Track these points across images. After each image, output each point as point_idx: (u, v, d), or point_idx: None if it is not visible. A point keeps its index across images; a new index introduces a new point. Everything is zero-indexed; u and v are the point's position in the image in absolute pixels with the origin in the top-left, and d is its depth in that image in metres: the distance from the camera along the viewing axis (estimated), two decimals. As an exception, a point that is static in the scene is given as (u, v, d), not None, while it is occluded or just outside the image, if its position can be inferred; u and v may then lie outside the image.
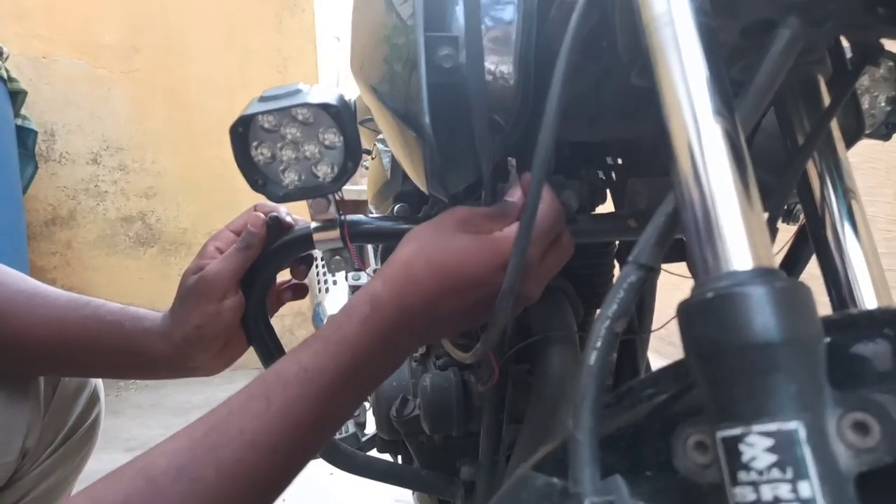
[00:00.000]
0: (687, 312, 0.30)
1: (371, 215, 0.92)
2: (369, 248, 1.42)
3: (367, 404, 1.12)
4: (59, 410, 0.78)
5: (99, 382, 0.86)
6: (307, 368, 0.47)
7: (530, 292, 0.52)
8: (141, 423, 2.40)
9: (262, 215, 0.62)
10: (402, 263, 0.50)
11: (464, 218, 0.51)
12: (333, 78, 3.47)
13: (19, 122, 2.50)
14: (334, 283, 1.57)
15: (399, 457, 1.00)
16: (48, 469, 0.78)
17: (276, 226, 0.61)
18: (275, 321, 0.68)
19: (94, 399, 0.84)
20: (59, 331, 0.65)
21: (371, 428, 0.99)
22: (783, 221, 0.69)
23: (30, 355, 0.66)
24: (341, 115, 0.52)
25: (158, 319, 0.66)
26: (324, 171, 0.54)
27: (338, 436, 1.00)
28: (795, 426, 0.26)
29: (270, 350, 0.66)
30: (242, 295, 0.63)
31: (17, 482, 0.74)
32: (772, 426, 0.26)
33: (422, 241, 0.51)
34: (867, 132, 0.58)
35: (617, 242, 0.75)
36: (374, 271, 1.02)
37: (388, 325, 0.48)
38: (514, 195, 0.53)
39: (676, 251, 0.59)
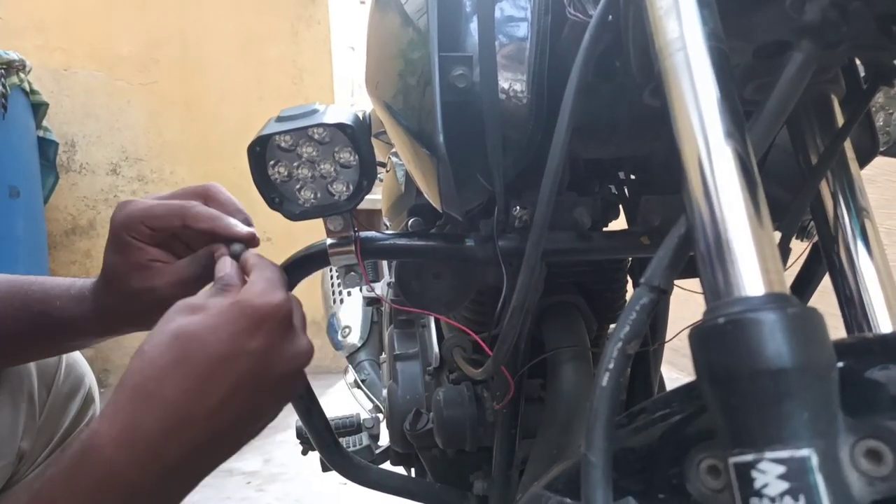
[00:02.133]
0: (699, 338, 0.30)
1: (385, 230, 0.93)
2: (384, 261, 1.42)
3: (380, 416, 1.12)
4: (53, 413, 0.78)
5: (93, 384, 0.86)
6: None
7: (303, 344, 0.44)
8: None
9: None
10: (128, 388, 0.41)
11: (188, 306, 0.44)
12: (348, 88, 3.49)
13: (41, 133, 2.55)
14: (349, 294, 1.58)
15: (412, 470, 1.00)
16: (44, 471, 0.78)
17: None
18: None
19: (88, 401, 0.84)
20: None
21: (384, 441, 0.99)
22: (796, 238, 0.68)
23: None
24: (357, 135, 0.53)
25: (79, 280, 0.61)
26: (339, 190, 0.55)
27: (351, 448, 1.00)
28: (808, 453, 0.26)
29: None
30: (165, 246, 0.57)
31: (15, 485, 0.75)
32: (784, 453, 0.27)
33: (149, 352, 0.42)
34: (882, 150, 0.58)
35: (630, 258, 0.75)
36: (388, 284, 1.02)
37: (107, 472, 0.39)
38: (223, 269, 0.49)
39: (690, 267, 0.59)
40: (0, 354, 0.65)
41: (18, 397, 0.71)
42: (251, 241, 0.55)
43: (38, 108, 2.51)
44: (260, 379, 0.42)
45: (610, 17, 0.44)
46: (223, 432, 0.41)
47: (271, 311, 0.41)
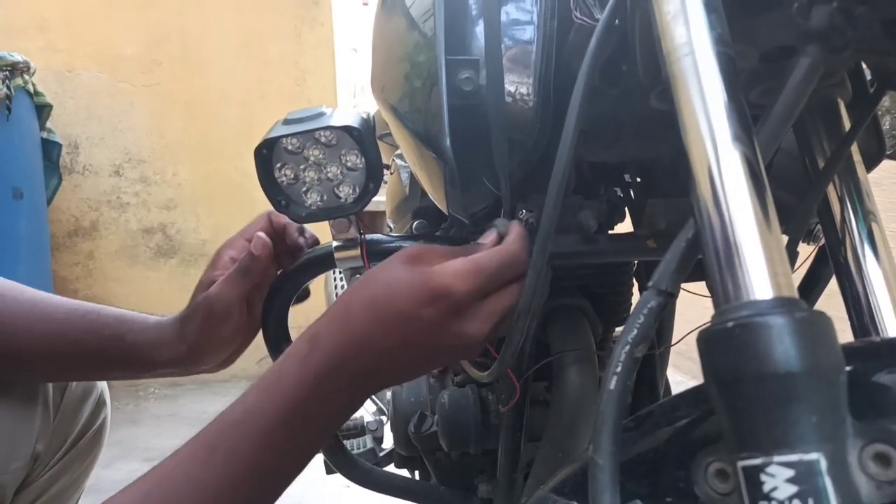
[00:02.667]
0: (707, 341, 0.30)
1: (390, 232, 0.93)
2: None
3: (384, 418, 1.12)
4: (67, 415, 0.79)
5: (105, 387, 0.87)
6: (249, 410, 0.46)
7: (471, 330, 0.48)
8: (159, 432, 2.42)
9: (263, 236, 0.62)
10: (343, 302, 0.49)
11: (414, 254, 0.50)
12: (350, 90, 3.50)
13: (44, 135, 2.55)
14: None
15: (416, 473, 1.00)
16: (58, 473, 0.79)
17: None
18: (294, 333, 0.68)
19: (100, 403, 0.85)
20: (59, 345, 0.66)
21: (388, 443, 0.99)
22: (803, 242, 0.68)
23: (33, 367, 0.68)
24: (363, 138, 0.53)
25: (165, 328, 0.67)
26: (346, 192, 0.55)
27: (355, 451, 1.00)
28: (817, 457, 0.26)
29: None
30: (246, 313, 0.64)
31: (29, 486, 0.75)
32: (793, 457, 0.27)
33: (366, 278, 0.50)
34: (889, 153, 0.58)
35: (636, 261, 0.75)
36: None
37: (326, 365, 0.47)
38: (488, 237, 0.52)
39: (695, 270, 0.59)
40: (59, 371, 0.70)
41: (33, 400, 0.72)
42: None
43: (42, 110, 2.51)
44: (423, 342, 0.48)
45: (616, 21, 0.44)
46: (384, 371, 0.49)
47: (445, 293, 0.46)
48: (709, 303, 0.58)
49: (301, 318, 0.70)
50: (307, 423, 0.47)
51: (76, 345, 0.66)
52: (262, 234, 0.63)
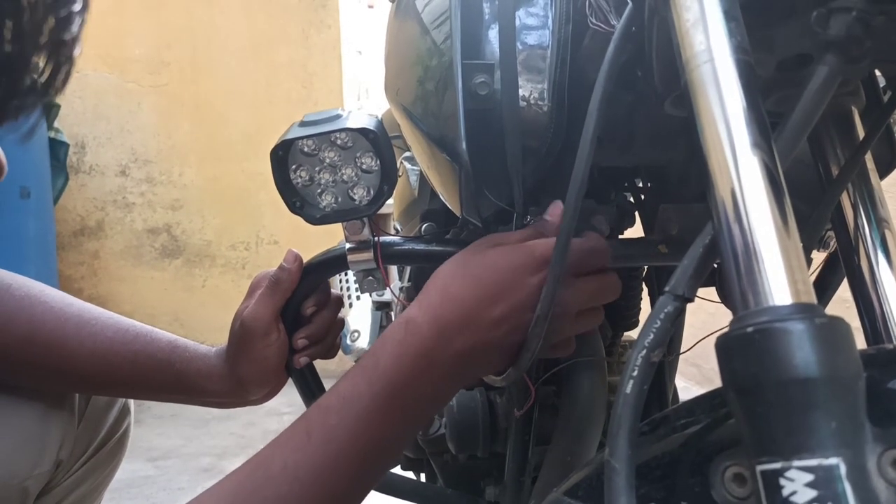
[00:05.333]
0: (726, 346, 0.30)
1: (399, 234, 0.93)
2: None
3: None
4: (91, 422, 0.79)
5: None
6: (345, 397, 0.47)
7: (567, 298, 0.50)
8: (161, 433, 2.42)
9: (295, 251, 0.62)
10: (438, 286, 0.50)
11: (498, 237, 0.53)
12: (356, 92, 3.50)
13: (52, 134, 2.56)
14: (358, 298, 1.58)
15: (423, 475, 1.01)
16: (80, 479, 0.79)
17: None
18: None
19: (124, 411, 0.85)
20: (107, 363, 0.66)
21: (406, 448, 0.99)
22: (814, 248, 0.68)
23: (78, 381, 0.68)
24: (379, 141, 0.53)
25: (212, 359, 0.67)
26: (360, 195, 0.55)
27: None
28: (836, 462, 0.27)
29: (307, 379, 0.67)
30: (284, 331, 0.63)
31: (51, 491, 0.76)
32: (812, 461, 0.27)
33: (457, 262, 0.52)
34: (901, 162, 0.58)
35: (645, 266, 0.75)
36: (401, 288, 1.03)
37: (424, 347, 0.48)
38: (554, 213, 0.53)
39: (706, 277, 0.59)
40: (104, 388, 0.71)
41: (60, 407, 0.72)
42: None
43: (50, 110, 2.52)
44: (526, 310, 0.49)
45: (633, 28, 0.44)
46: (492, 343, 0.49)
47: (548, 260, 0.48)
48: (713, 309, 0.58)
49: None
50: (407, 407, 0.48)
51: (126, 366, 0.66)
52: (293, 250, 0.63)
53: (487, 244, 0.52)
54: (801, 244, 0.51)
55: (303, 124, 0.54)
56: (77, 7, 0.39)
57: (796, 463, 0.27)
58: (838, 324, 0.29)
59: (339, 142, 0.53)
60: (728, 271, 0.32)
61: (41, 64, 0.38)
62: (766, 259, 0.31)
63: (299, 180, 0.55)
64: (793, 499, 0.27)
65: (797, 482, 0.27)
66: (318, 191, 0.55)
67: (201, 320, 2.95)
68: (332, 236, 0.61)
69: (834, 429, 0.27)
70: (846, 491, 0.26)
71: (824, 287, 0.64)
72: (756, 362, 0.29)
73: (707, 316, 0.64)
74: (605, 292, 0.54)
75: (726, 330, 0.31)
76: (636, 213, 0.67)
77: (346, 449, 0.46)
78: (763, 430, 0.29)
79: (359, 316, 1.52)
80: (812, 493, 0.26)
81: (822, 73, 0.36)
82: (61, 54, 0.39)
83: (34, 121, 0.40)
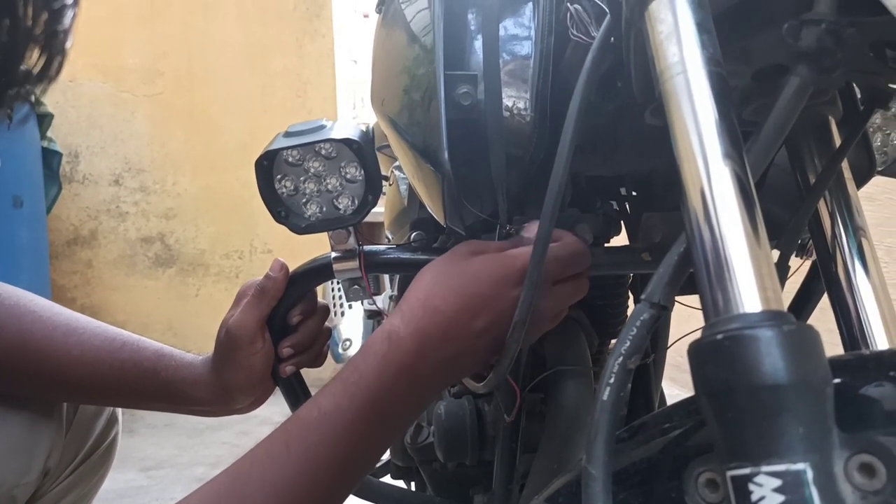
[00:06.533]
0: (697, 353, 0.31)
1: (388, 243, 0.93)
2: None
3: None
4: (79, 431, 0.79)
5: None
6: (326, 411, 0.47)
7: (544, 307, 0.51)
8: (154, 442, 2.41)
9: (281, 259, 0.63)
10: (418, 297, 0.51)
11: (477, 246, 0.53)
12: (350, 101, 3.51)
13: (45, 144, 2.56)
14: (349, 307, 1.59)
15: (412, 484, 1.01)
16: (67, 487, 0.79)
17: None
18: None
19: (112, 420, 0.85)
20: (94, 372, 0.66)
21: (384, 454, 0.99)
22: (796, 256, 0.69)
23: (66, 389, 0.69)
24: (363, 151, 0.54)
25: (198, 368, 0.67)
26: (345, 204, 0.56)
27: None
28: (803, 467, 0.27)
29: (294, 387, 0.67)
30: (270, 340, 0.63)
31: (38, 500, 0.75)
32: (780, 467, 0.27)
33: (436, 272, 0.52)
34: (880, 169, 0.59)
35: (631, 274, 0.76)
36: (391, 297, 1.03)
37: (408, 359, 0.48)
38: (531, 230, 0.54)
39: (690, 283, 0.60)
40: (91, 396, 0.72)
41: (49, 415, 0.72)
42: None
43: (43, 119, 2.52)
44: (506, 320, 0.49)
45: (612, 39, 0.45)
46: (473, 352, 0.51)
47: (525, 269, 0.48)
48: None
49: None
50: (388, 419, 0.49)
51: (113, 374, 0.67)
52: (280, 259, 0.63)
53: (468, 251, 0.52)
54: (780, 251, 0.52)
55: (287, 135, 0.54)
56: (69, 0, 0.41)
57: (764, 468, 0.27)
58: (807, 331, 0.30)
59: (323, 152, 0.54)
60: (700, 279, 0.33)
61: (35, 55, 0.40)
62: (737, 267, 0.31)
63: (284, 190, 0.55)
64: (761, 504, 0.27)
65: (765, 487, 0.27)
66: (303, 200, 0.56)
67: (195, 329, 2.94)
68: (326, 245, 0.62)
69: (801, 434, 0.28)
70: (813, 496, 0.27)
71: (808, 295, 0.64)
72: (726, 368, 0.29)
73: (698, 322, 0.64)
74: (579, 294, 0.55)
75: (699, 337, 0.32)
76: (621, 222, 0.67)
77: (325, 462, 0.46)
78: (733, 435, 0.29)
79: (350, 325, 1.52)
80: (780, 498, 0.27)
81: (794, 84, 0.37)
82: (55, 46, 0.41)
83: (26, 111, 0.43)
